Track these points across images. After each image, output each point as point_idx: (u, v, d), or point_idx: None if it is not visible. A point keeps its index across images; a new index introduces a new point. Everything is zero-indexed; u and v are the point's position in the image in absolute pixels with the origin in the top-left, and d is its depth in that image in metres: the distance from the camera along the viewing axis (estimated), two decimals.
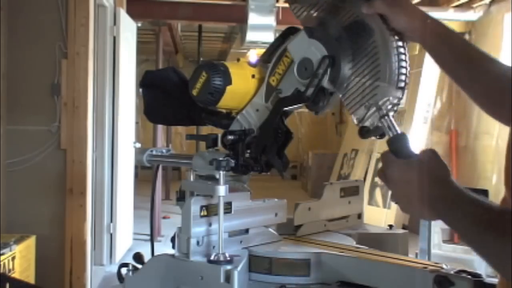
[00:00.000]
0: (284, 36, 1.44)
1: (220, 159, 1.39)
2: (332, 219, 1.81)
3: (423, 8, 1.23)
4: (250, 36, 6.02)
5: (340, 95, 1.31)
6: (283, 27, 1.51)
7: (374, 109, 1.19)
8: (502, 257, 0.82)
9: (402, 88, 1.21)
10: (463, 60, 1.14)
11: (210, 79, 1.39)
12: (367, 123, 1.21)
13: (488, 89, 1.11)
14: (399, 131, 1.10)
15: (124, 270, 1.52)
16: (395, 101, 1.20)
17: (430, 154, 0.98)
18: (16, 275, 3.13)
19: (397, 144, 1.05)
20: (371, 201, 6.88)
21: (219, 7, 6.54)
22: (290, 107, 1.41)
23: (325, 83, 1.30)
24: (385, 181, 1.03)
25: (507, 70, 1.10)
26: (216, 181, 1.38)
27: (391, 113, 1.16)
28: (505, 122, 1.08)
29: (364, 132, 1.19)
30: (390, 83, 1.20)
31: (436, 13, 5.24)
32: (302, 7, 1.38)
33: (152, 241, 1.78)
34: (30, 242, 3.45)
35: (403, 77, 1.21)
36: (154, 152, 1.69)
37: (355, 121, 1.24)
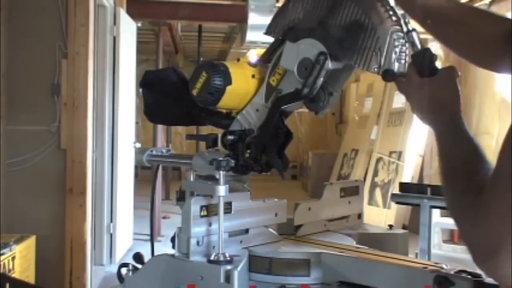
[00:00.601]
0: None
1: (220, 159, 1.39)
2: (332, 219, 1.81)
3: None
4: (250, 36, 6.02)
5: (351, 63, 1.33)
6: None
7: (385, 49, 1.24)
8: (455, 204, 0.92)
9: (397, 21, 1.24)
10: (440, 20, 1.17)
11: (210, 79, 1.39)
12: (386, 66, 1.24)
13: (468, 40, 1.15)
14: (420, 47, 1.16)
15: (124, 270, 1.52)
16: (400, 33, 1.24)
17: (447, 78, 1.06)
18: (16, 275, 3.13)
19: (419, 60, 1.11)
20: (371, 201, 6.88)
21: (219, 7, 6.54)
22: (289, 105, 1.41)
23: (330, 65, 1.31)
24: (404, 93, 1.14)
25: (486, 19, 1.16)
26: (216, 181, 1.38)
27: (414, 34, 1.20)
28: (488, 68, 1.16)
29: (389, 76, 1.21)
30: (385, 21, 1.24)
31: None
32: (275, 30, 1.46)
33: (152, 241, 1.78)
34: (30, 242, 3.45)
35: (391, 12, 1.24)
36: (154, 152, 1.69)
37: (375, 71, 1.26)
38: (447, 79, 1.05)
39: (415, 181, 6.46)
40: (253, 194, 1.55)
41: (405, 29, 1.22)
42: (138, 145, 5.33)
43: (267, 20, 1.49)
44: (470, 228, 0.85)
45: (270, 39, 1.51)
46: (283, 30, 1.43)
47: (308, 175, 10.51)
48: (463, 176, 0.92)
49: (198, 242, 1.39)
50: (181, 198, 1.57)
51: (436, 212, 2.29)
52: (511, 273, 0.79)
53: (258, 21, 5.73)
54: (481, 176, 0.89)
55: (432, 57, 1.10)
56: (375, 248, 1.55)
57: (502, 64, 1.03)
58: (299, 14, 1.40)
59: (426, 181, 6.36)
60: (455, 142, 0.98)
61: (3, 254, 3.01)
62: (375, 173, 7.14)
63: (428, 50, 1.13)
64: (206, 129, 1.52)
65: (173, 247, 1.44)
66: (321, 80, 1.33)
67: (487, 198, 0.82)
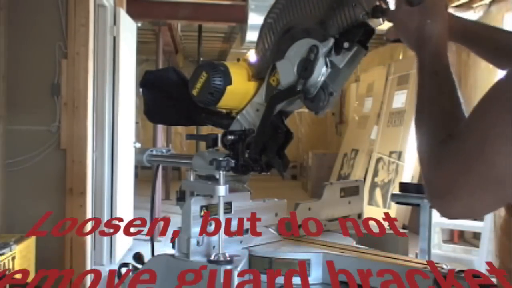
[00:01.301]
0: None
1: (220, 159, 1.39)
2: (332, 219, 1.81)
3: None
4: (250, 36, 6.02)
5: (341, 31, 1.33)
6: None
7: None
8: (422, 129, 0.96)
9: None
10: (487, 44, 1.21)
11: (210, 79, 1.39)
12: (370, 4, 1.25)
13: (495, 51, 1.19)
14: None
15: (124, 270, 1.52)
16: None
17: (434, 7, 1.06)
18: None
19: None
20: (371, 201, 6.88)
21: (219, 7, 6.54)
22: (287, 102, 1.41)
23: (325, 48, 1.31)
24: (392, 21, 1.15)
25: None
26: (216, 181, 1.38)
27: None
28: None
29: (378, 11, 1.22)
30: None
31: None
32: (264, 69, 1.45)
33: (152, 241, 1.78)
34: (30, 242, 3.45)
35: None
36: (154, 152, 1.69)
37: (364, 17, 1.26)
38: (434, 8, 1.07)
39: (415, 181, 6.45)
40: (253, 194, 1.55)
41: None
42: (138, 145, 5.33)
43: None
44: (429, 168, 0.92)
45: None
46: (270, 62, 1.44)
47: (308, 175, 10.51)
48: (438, 113, 0.94)
49: (198, 242, 1.38)
50: (181, 198, 1.57)
51: (436, 212, 2.28)
52: (455, 215, 0.89)
53: (258, 21, 5.72)
54: (453, 121, 0.91)
55: None
56: (375, 248, 1.55)
57: None
58: (274, 39, 1.42)
59: None
60: (435, 76, 0.99)
61: (3, 254, 3.01)
62: (375, 173, 7.14)
63: None
64: (206, 129, 1.52)
65: (173, 247, 1.44)
66: (319, 74, 1.32)
67: (453, 145, 0.86)
